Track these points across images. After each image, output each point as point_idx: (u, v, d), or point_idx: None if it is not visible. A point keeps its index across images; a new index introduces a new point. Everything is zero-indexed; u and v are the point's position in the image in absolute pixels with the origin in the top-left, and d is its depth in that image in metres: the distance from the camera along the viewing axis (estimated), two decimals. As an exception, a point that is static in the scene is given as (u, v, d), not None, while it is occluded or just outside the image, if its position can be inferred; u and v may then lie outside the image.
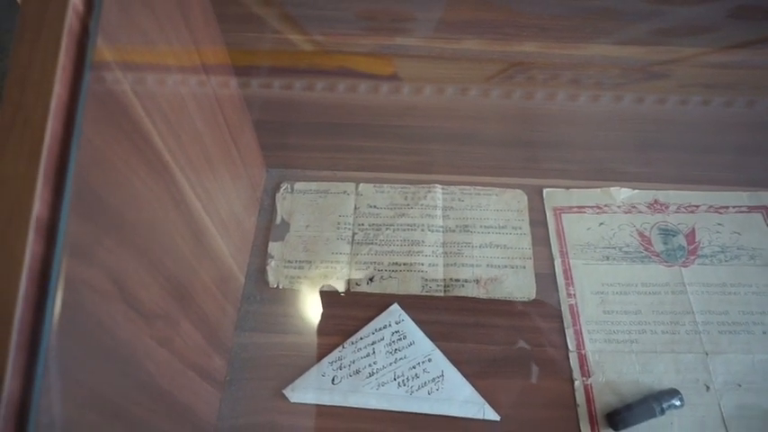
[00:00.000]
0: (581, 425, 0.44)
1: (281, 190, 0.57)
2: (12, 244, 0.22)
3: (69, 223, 0.23)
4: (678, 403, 0.44)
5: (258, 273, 0.52)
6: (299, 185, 0.57)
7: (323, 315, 0.50)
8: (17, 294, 0.22)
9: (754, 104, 0.47)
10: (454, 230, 0.54)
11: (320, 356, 0.48)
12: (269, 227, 0.55)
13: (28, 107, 0.23)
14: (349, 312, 0.50)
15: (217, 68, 0.42)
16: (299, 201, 0.56)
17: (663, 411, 0.44)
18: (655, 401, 0.44)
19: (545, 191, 0.57)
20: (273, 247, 0.53)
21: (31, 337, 0.22)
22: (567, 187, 0.57)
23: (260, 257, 0.53)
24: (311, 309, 0.50)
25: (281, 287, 0.51)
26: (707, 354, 0.47)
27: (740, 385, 0.46)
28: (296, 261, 0.53)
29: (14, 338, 0.22)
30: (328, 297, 0.51)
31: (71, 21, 0.24)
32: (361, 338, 0.48)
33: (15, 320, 0.22)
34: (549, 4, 0.39)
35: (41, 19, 0.24)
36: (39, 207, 0.22)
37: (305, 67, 0.45)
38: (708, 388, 0.46)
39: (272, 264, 0.52)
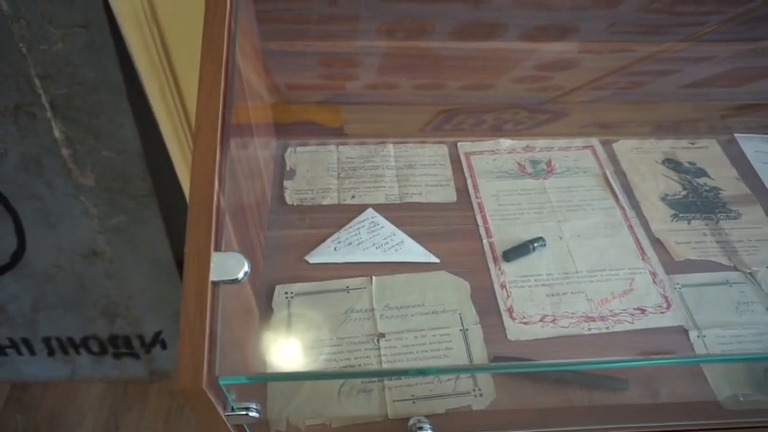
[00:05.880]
0: (488, 261, 0.73)
1: (288, 152, 0.86)
2: (216, 87, 0.50)
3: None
4: (543, 243, 0.74)
5: (278, 198, 0.80)
6: (299, 149, 0.86)
7: (324, 217, 0.78)
8: (218, 111, 0.49)
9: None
10: (402, 167, 0.84)
11: (325, 238, 0.75)
12: (282, 173, 0.83)
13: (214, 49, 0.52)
14: (340, 215, 0.78)
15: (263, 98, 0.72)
16: (300, 157, 0.85)
17: (534, 249, 0.74)
18: (530, 243, 0.74)
19: (459, 144, 0.88)
20: (287, 183, 0.81)
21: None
22: (473, 141, 0.89)
23: (278, 189, 0.81)
24: (316, 214, 0.78)
25: (294, 204, 0.79)
26: (560, 221, 0.78)
27: (580, 235, 0.76)
28: (303, 190, 0.81)
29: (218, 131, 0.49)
30: (326, 207, 0.79)
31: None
32: (351, 227, 0.76)
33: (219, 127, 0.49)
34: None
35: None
36: (223, 83, 0.51)
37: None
38: (561, 238, 0.76)
39: (287, 192, 0.80)
